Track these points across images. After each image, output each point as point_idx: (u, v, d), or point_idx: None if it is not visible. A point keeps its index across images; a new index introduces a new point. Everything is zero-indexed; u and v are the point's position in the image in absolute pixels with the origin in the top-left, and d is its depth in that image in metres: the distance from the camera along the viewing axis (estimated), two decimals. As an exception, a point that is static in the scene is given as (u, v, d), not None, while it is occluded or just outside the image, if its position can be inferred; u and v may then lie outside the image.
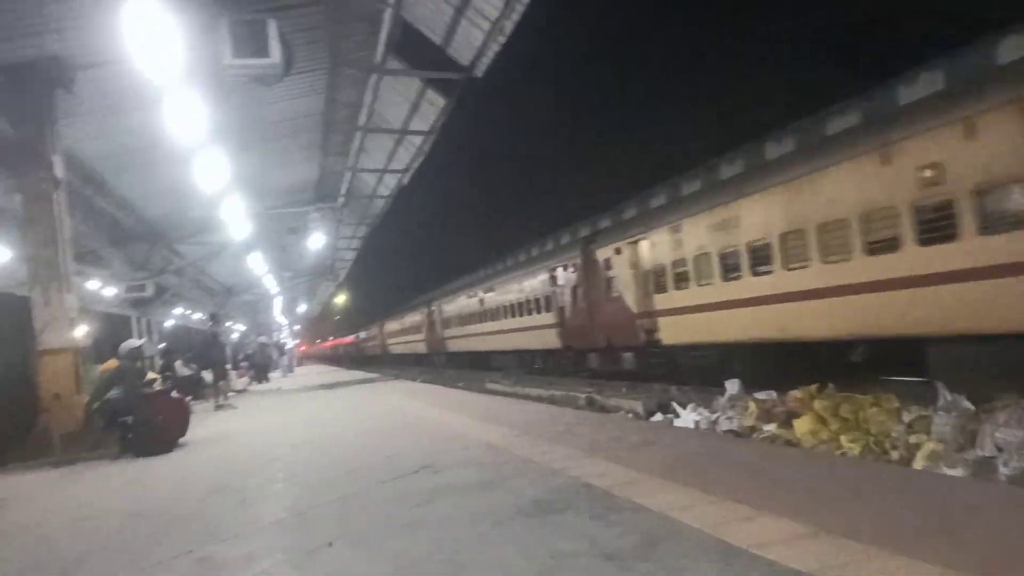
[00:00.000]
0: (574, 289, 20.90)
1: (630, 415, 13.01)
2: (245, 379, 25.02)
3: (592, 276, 19.68)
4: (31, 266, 9.73)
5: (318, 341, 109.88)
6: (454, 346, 35.72)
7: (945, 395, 8.54)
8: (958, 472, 6.81)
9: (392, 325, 53.50)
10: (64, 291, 9.46)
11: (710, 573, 2.74)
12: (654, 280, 16.50)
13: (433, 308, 39.69)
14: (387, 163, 17.12)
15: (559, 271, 22.14)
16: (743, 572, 2.71)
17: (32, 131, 9.50)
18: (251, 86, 11.32)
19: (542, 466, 5.29)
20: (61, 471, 8.15)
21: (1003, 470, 6.66)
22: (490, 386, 22.44)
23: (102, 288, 23.10)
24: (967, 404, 8.08)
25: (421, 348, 43.26)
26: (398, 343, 50.99)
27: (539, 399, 16.25)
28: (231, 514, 4.90)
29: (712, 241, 14.17)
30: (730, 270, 13.80)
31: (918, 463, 7.41)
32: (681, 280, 15.37)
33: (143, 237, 18.64)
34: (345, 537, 3.92)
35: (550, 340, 23.04)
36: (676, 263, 15.54)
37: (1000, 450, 7.01)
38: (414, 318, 45.38)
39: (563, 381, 21.08)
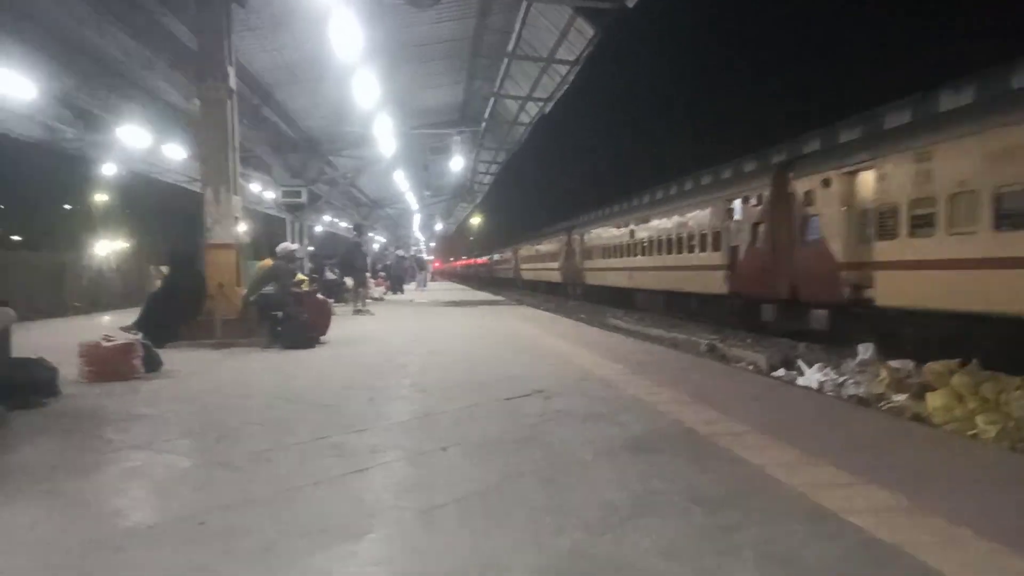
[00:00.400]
0: (755, 226, 17.88)
1: (751, 367, 12.80)
2: (382, 288, 26.52)
3: (783, 212, 16.48)
4: (204, 167, 10.75)
5: (451, 259, 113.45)
6: (593, 279, 33.55)
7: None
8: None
9: (527, 250, 52.65)
10: (231, 191, 10.41)
11: (797, 531, 2.82)
12: (877, 223, 13.29)
13: (573, 236, 37.70)
14: (531, 91, 17.14)
15: (737, 204, 19.02)
16: (830, 535, 2.78)
17: (211, 42, 10.31)
18: (406, 8, 11.67)
19: (650, 406, 5.44)
20: (220, 352, 9.20)
21: None
22: (611, 322, 22.57)
23: (262, 191, 25.02)
24: None
25: (555, 277, 41.82)
26: (531, 269, 50.09)
27: (659, 340, 16.23)
28: (361, 409, 5.44)
29: (984, 175, 10.78)
30: (1011, 216, 10.46)
31: (1062, 454, 6.92)
32: (922, 225, 12.14)
33: (301, 147, 19.90)
34: (459, 445, 4.28)
35: (714, 284, 20.07)
36: (917, 202, 12.28)
37: None
38: (550, 245, 43.74)
39: (686, 325, 20.84)
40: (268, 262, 10.56)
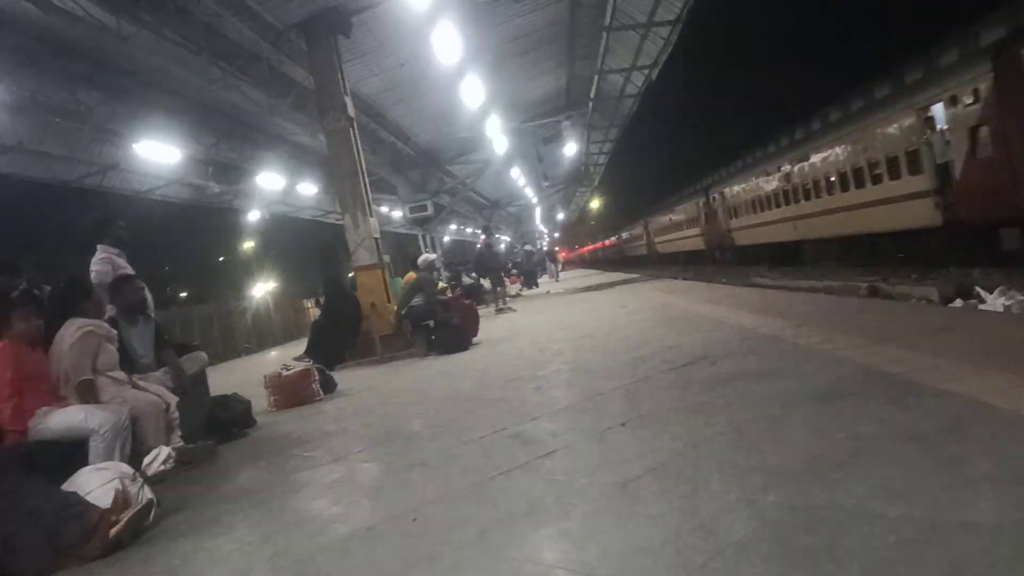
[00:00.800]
0: (973, 131, 14.02)
1: (922, 303, 11.88)
2: (517, 285, 26.92)
3: (1020, 103, 12.70)
4: (339, 196, 11.36)
5: (576, 246, 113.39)
6: (746, 238, 30.53)
7: None
8: None
9: (659, 222, 49.30)
10: (367, 215, 10.93)
11: (1032, 454, 2.58)
12: None
13: (713, 195, 34.72)
14: (634, 60, 16.76)
15: (938, 108, 15.33)
16: (1076, 454, 2.51)
17: (326, 76, 10.87)
18: (500, 3, 11.76)
19: (827, 354, 5.16)
20: (385, 367, 9.69)
21: None
22: (756, 281, 21.70)
23: (390, 211, 26.12)
24: None
25: (697, 244, 38.72)
26: (667, 241, 46.60)
27: (812, 290, 15.40)
28: (530, 399, 5.53)
29: None
30: None
31: None
32: None
33: (419, 162, 20.60)
34: (636, 418, 4.25)
35: (918, 215, 16.38)
36: None
37: None
38: (686, 211, 40.40)
39: (837, 272, 19.65)
40: (412, 275, 10.99)
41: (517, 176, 26.17)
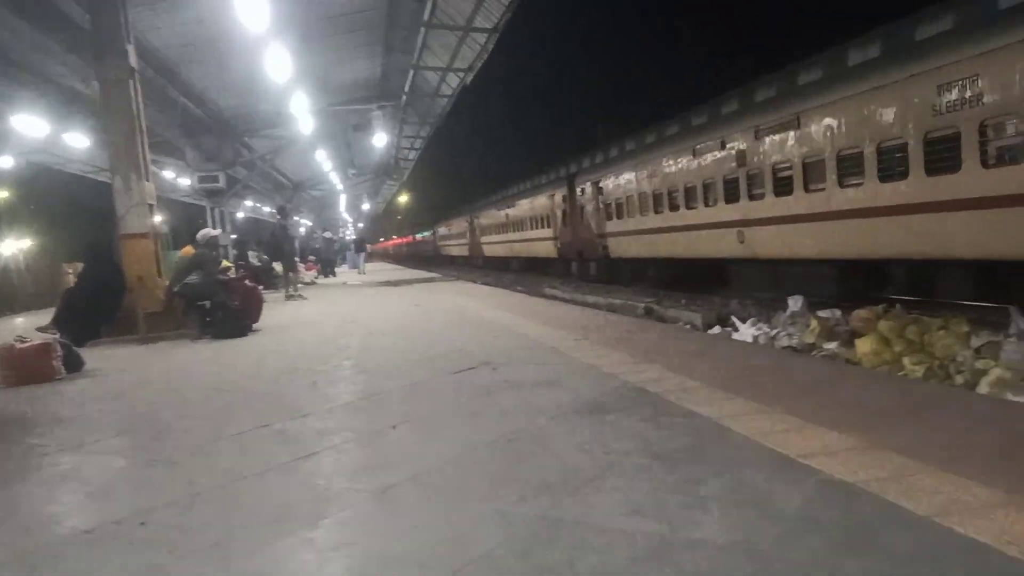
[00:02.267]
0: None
1: (688, 326, 13.04)
2: (313, 272, 25.88)
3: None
4: (111, 154, 10.13)
5: (380, 239, 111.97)
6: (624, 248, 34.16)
7: (1019, 322, 8.27)
8: (1024, 399, 6.65)
9: (493, 216, 51.06)
10: (142, 178, 9.84)
11: (755, 477, 2.83)
12: None
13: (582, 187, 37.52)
14: (450, 62, 16.79)
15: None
16: (788, 479, 2.79)
17: (106, 18, 9.65)
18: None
19: (599, 369, 5.43)
20: (147, 348, 8.76)
21: (1073, 400, 6.47)
22: (548, 291, 22.67)
23: (176, 178, 23.94)
24: (1041, 331, 7.82)
25: (548, 250, 41.24)
26: (499, 242, 48.81)
27: (596, 306, 16.37)
28: (303, 394, 5.24)
29: None
30: None
31: (983, 388, 7.27)
32: None
33: (214, 129, 19.04)
34: (409, 421, 4.16)
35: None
36: None
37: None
38: (536, 205, 42.33)
39: (621, 290, 21.11)
40: (189, 250, 10.07)
41: (323, 160, 25.17)
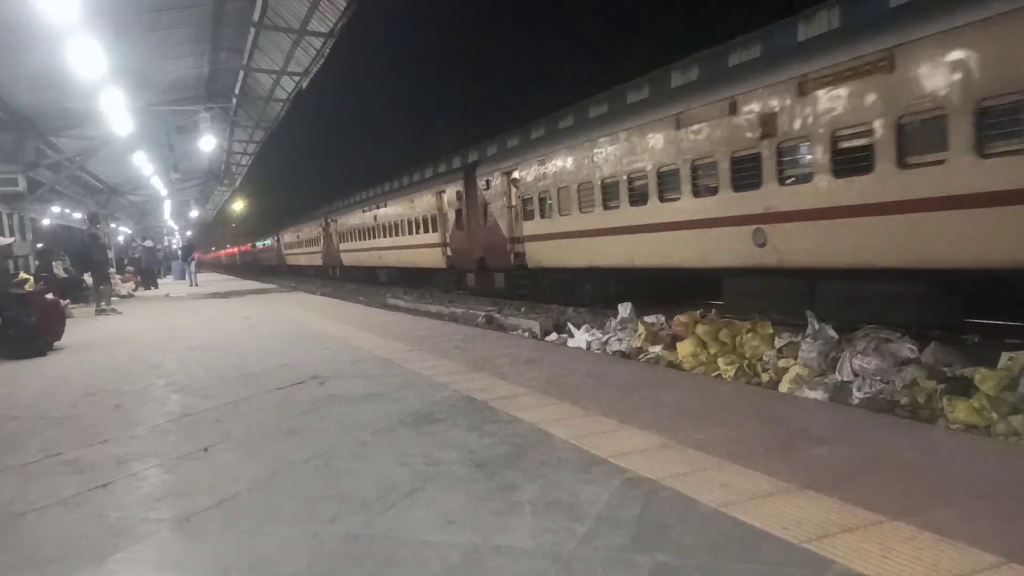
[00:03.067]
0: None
1: (526, 334, 13.34)
2: (131, 284, 23.83)
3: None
4: None
5: (212, 248, 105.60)
6: (350, 260, 35.04)
7: (813, 324, 9.20)
8: (818, 394, 7.37)
9: (290, 236, 51.17)
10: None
11: (568, 479, 2.93)
12: None
13: (330, 221, 38.07)
14: (285, 64, 16.19)
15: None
16: (598, 478, 2.91)
17: None
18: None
19: (429, 379, 5.41)
20: (-82, 372, 7.64)
21: (857, 394, 7.26)
22: (391, 301, 22.38)
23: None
24: (832, 332, 8.70)
25: (316, 260, 41.81)
26: (295, 254, 49.23)
27: (439, 316, 16.36)
28: (105, 418, 4.77)
29: None
30: None
31: (784, 385, 7.99)
32: None
33: (10, 126, 17.06)
34: (223, 442, 3.91)
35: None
36: None
37: (856, 375, 7.63)
38: (311, 230, 43.10)
39: (466, 299, 21.25)
40: (-23, 260, 8.93)
41: (143, 163, 23.27)
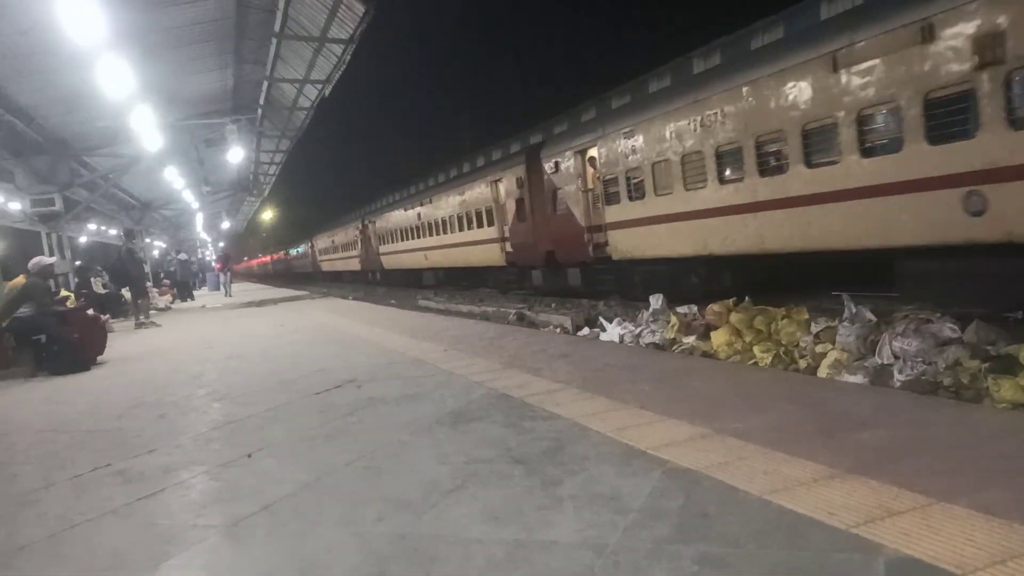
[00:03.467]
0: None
1: (558, 330, 13.33)
2: (167, 297, 24.31)
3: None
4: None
5: (244, 258, 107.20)
6: (392, 263, 32.38)
7: (850, 307, 9.04)
8: (858, 379, 7.25)
9: (324, 241, 49.83)
10: (-40, 204, 8.87)
11: (609, 472, 2.93)
12: None
13: (368, 223, 35.95)
14: (307, 73, 16.34)
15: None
16: (638, 471, 2.91)
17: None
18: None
19: (465, 378, 5.43)
20: (-30, 391, 7.88)
21: (898, 376, 7.14)
22: (422, 303, 22.52)
23: (6, 203, 21.80)
24: (870, 315, 8.55)
25: (355, 265, 40.01)
26: (330, 260, 47.73)
27: (470, 315, 16.43)
28: (150, 428, 4.88)
29: None
30: None
31: (822, 371, 7.89)
32: None
33: (46, 148, 17.49)
34: (266, 448, 3.98)
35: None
36: None
37: (896, 358, 7.49)
38: (347, 234, 41.21)
39: (496, 297, 21.29)
40: (21, 280, 9.16)
41: (174, 177, 23.69)
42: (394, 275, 33.09)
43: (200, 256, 46.13)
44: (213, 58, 15.96)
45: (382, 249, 33.42)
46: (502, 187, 19.92)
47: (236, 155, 21.29)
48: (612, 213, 15.13)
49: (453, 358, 6.55)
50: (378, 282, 35.68)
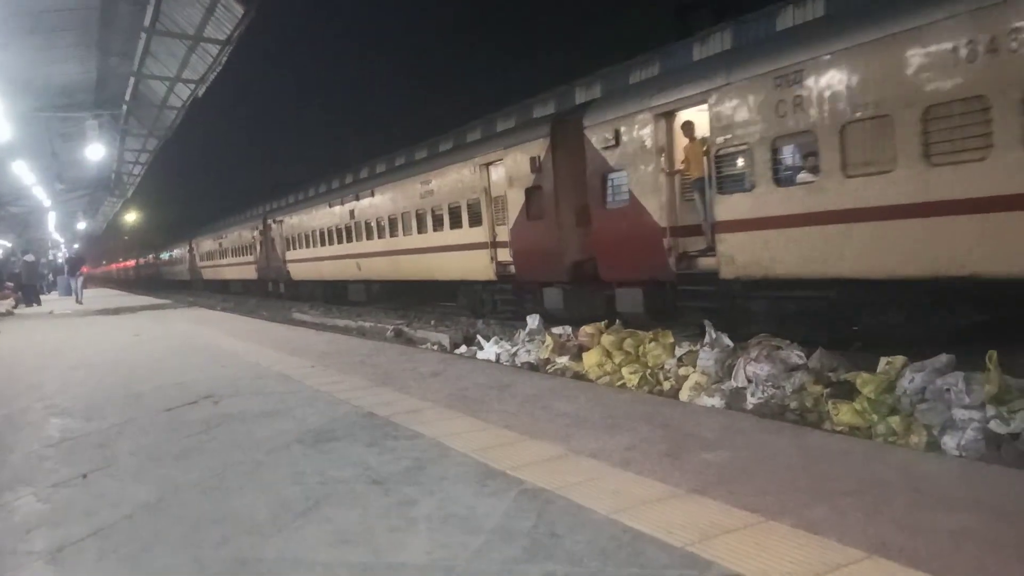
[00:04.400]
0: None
1: (435, 347, 13.27)
2: (10, 301, 22.22)
3: None
4: None
5: (103, 262, 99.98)
6: (301, 272, 26.92)
7: (711, 332, 9.56)
8: (716, 400, 7.66)
9: (208, 245, 42.38)
10: None
11: (465, 493, 2.94)
12: None
13: (271, 222, 29.61)
14: (179, 71, 15.54)
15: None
16: (495, 491, 2.93)
17: None
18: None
19: (330, 396, 5.30)
20: None
21: (751, 399, 7.59)
22: (296, 316, 21.80)
23: None
24: (728, 341, 9.07)
25: (250, 272, 33.53)
26: (215, 266, 41.21)
27: (346, 330, 16.06)
28: (-28, 447, 4.43)
29: None
30: None
31: (684, 393, 8.26)
32: None
33: None
34: (106, 467, 3.72)
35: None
36: None
37: (750, 382, 7.98)
38: (241, 236, 34.70)
39: (372, 312, 20.92)
40: None
41: (23, 172, 21.78)
42: (304, 287, 27.80)
43: (52, 258, 42.55)
44: (74, 48, 14.87)
45: (290, 255, 27.83)
46: (499, 172, 14.76)
47: (96, 152, 19.88)
48: (729, 207, 9.74)
49: (321, 374, 6.38)
50: (280, 294, 30.19)
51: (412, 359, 7.88)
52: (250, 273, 33.87)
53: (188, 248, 47.69)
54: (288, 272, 28.31)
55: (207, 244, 42.70)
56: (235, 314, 19.26)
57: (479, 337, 13.30)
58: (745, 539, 2.33)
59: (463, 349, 12.94)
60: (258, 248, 31.78)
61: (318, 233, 24.61)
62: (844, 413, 6.57)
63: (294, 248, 27.16)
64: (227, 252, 37.81)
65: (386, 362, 7.22)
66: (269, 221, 30.03)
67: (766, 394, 7.54)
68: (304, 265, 26.40)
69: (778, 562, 2.16)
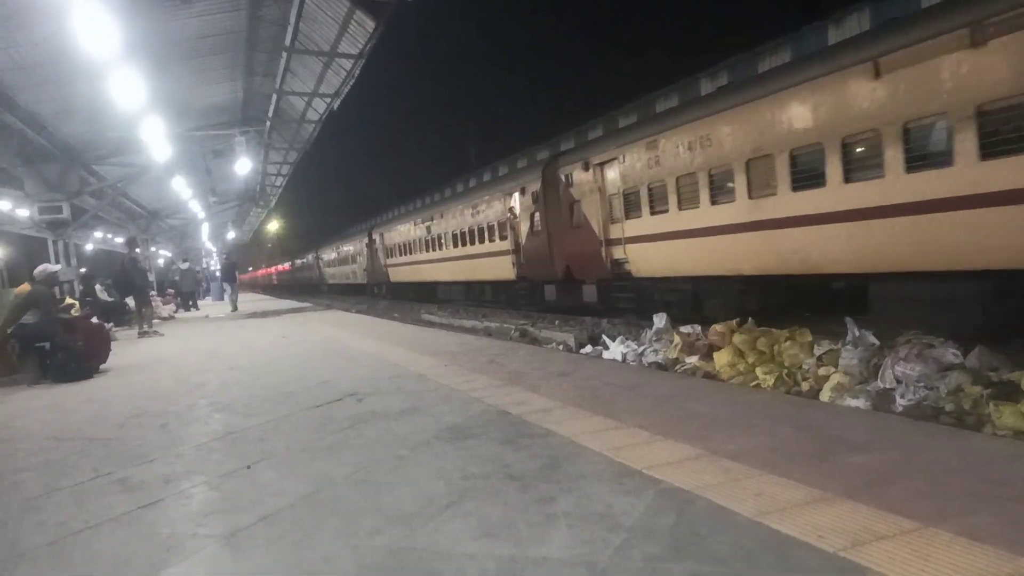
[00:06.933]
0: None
1: (560, 347, 13.34)
2: (171, 306, 24.41)
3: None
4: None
5: (249, 269, 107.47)
6: (398, 276, 32.78)
7: (853, 330, 9.06)
8: (860, 402, 7.24)
9: (329, 254, 50.13)
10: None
11: (603, 491, 2.96)
12: None
13: (375, 236, 36.25)
14: (316, 87, 16.53)
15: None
16: (631, 490, 2.94)
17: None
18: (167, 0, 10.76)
19: (464, 394, 5.47)
20: (-26, 397, 7.93)
21: (900, 401, 7.13)
22: (425, 317, 22.57)
23: (14, 209, 22.00)
24: (872, 339, 8.56)
25: (360, 277, 40.45)
26: (335, 271, 48.03)
27: (473, 331, 16.46)
28: (151, 438, 4.93)
29: None
30: None
31: (825, 394, 7.87)
32: None
33: (56, 157, 17.68)
34: (266, 460, 4.01)
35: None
36: None
37: (899, 382, 7.49)
38: (352, 246, 41.54)
39: (498, 313, 21.32)
40: (26, 288, 9.25)
41: (181, 187, 23.91)
42: (400, 288, 33.69)
43: (205, 266, 46.26)
44: (224, 70, 16.17)
45: (389, 261, 33.82)
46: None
47: (244, 166, 21.46)
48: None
49: (454, 373, 6.59)
50: (383, 295, 36.31)
51: (540, 359, 7.97)
52: (361, 278, 40.63)
53: (315, 256, 53.85)
54: (388, 276, 34.32)
55: (329, 253, 50.94)
56: (369, 316, 20.19)
57: (604, 337, 13.25)
58: (902, 546, 2.21)
59: (588, 349, 12.93)
60: (366, 256, 38.42)
61: (408, 244, 30.72)
62: (1008, 415, 6.05)
63: (392, 256, 33.34)
64: (344, 260, 45.05)
65: (514, 362, 7.35)
66: (374, 234, 36.61)
67: (918, 395, 7.07)
68: (399, 269, 32.40)
69: (939, 570, 2.04)
